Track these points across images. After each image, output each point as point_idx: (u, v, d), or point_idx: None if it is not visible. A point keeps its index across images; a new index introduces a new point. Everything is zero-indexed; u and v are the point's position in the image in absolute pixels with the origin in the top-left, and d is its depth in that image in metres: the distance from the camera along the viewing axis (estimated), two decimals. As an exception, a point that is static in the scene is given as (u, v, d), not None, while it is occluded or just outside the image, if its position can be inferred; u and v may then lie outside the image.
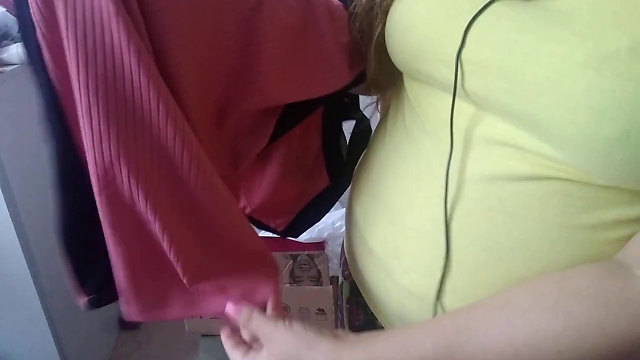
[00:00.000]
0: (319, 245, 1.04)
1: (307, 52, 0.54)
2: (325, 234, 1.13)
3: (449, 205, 0.43)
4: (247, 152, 0.57)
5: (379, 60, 0.54)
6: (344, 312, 0.67)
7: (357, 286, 0.60)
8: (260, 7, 0.49)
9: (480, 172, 0.41)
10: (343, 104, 0.66)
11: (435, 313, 0.46)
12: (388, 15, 0.49)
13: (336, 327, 0.73)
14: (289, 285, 1.09)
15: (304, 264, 1.06)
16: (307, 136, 0.65)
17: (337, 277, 0.73)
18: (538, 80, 0.35)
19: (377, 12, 0.51)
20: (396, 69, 0.51)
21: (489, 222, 0.41)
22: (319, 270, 1.05)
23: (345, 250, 0.65)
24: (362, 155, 0.61)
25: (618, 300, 0.34)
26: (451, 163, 0.42)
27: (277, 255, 1.04)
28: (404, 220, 0.48)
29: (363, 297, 0.59)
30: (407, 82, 0.50)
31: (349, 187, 0.62)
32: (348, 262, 0.63)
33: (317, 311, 1.11)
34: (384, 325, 0.56)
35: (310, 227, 0.74)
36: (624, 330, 0.33)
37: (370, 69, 0.56)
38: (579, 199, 0.38)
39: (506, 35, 0.37)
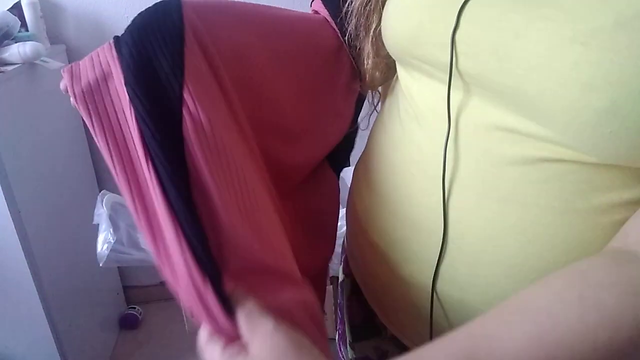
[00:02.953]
0: (319, 246, 1.03)
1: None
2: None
3: (445, 192, 0.43)
4: None
5: (376, 54, 0.55)
6: (344, 310, 0.67)
7: (357, 283, 0.61)
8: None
9: (475, 159, 0.42)
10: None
11: (432, 303, 0.46)
12: (385, 6, 0.50)
13: (336, 326, 0.73)
14: (289, 285, 1.08)
15: (304, 264, 1.06)
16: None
17: (337, 277, 0.73)
18: (528, 56, 0.36)
19: (374, 5, 0.52)
20: (391, 63, 0.52)
21: (484, 209, 0.42)
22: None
23: (347, 247, 0.66)
24: (361, 153, 0.62)
25: None
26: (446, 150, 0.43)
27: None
28: (403, 211, 0.48)
29: (363, 294, 0.60)
30: (401, 74, 0.51)
31: (349, 186, 0.63)
32: (349, 259, 0.63)
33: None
34: (383, 322, 0.57)
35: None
36: None
37: (367, 65, 0.57)
38: (572, 182, 0.38)
39: (497, 15, 0.38)
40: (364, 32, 0.55)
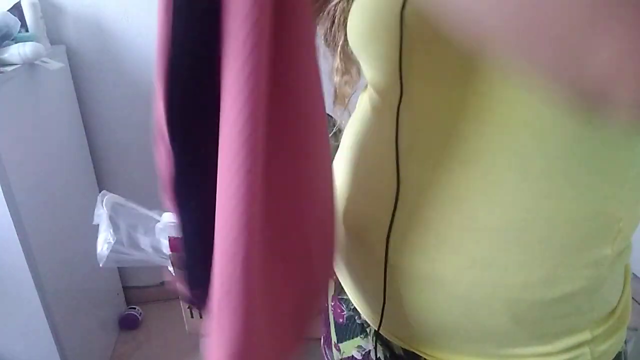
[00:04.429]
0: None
1: None
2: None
3: (399, 153, 0.45)
4: None
5: (345, 71, 0.60)
6: (329, 310, 0.68)
7: (339, 282, 0.62)
8: None
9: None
10: None
11: (385, 269, 0.47)
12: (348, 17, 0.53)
13: (323, 325, 0.74)
14: (288, 285, 1.09)
15: (304, 264, 1.06)
16: None
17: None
18: None
19: (337, 23, 0.56)
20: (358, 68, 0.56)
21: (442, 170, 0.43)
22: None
23: None
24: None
25: None
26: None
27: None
28: (366, 184, 0.50)
29: (345, 293, 0.61)
30: (365, 71, 0.54)
31: None
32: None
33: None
34: (365, 319, 0.58)
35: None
36: None
37: (337, 80, 0.61)
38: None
39: None
40: (332, 50, 0.59)
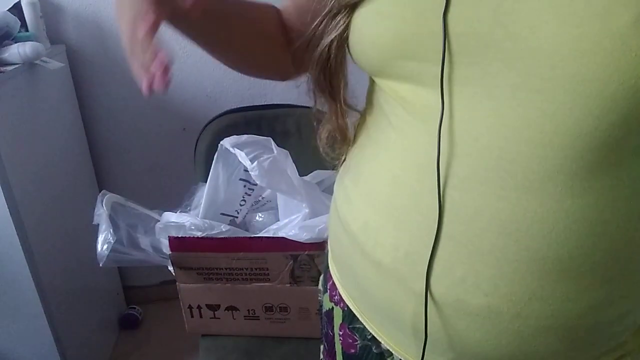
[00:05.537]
0: (319, 245, 1.03)
1: None
2: (325, 234, 1.13)
3: (440, 178, 0.41)
4: None
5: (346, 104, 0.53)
6: (336, 341, 0.63)
7: (350, 311, 0.57)
8: None
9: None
10: None
11: (426, 304, 0.44)
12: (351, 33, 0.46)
13: (324, 357, 0.70)
14: (289, 285, 1.08)
15: (304, 264, 1.06)
16: None
17: (321, 308, 0.69)
18: (533, 14, 0.35)
19: (336, 62, 0.48)
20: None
21: (490, 196, 0.40)
22: (319, 270, 1.04)
23: (332, 265, 0.62)
24: (342, 167, 0.59)
25: None
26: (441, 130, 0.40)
27: (278, 255, 1.04)
28: (398, 214, 0.46)
29: (359, 322, 0.57)
30: (385, 85, 0.47)
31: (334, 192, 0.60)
32: (340, 283, 0.59)
33: (317, 311, 1.11)
34: (384, 346, 0.54)
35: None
36: None
37: (340, 118, 0.53)
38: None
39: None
40: (328, 95, 0.52)
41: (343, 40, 0.47)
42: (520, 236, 0.39)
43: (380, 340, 0.54)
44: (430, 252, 0.42)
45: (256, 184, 1.14)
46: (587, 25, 0.33)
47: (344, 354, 0.62)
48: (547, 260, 0.39)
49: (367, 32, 0.44)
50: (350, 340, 0.60)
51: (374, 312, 0.53)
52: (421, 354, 0.47)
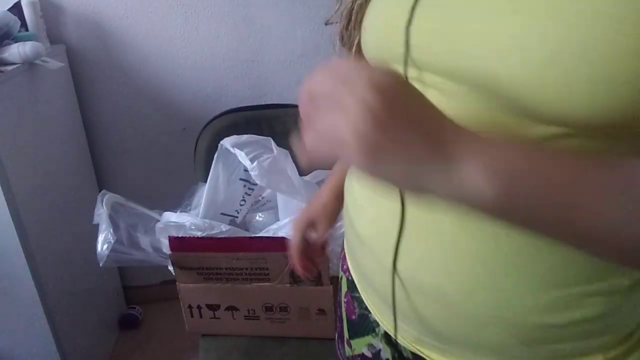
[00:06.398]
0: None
1: None
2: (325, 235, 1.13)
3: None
4: None
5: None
6: (342, 307, 0.68)
7: (352, 280, 0.62)
8: None
9: None
10: None
11: (393, 283, 0.48)
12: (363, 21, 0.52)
13: (335, 323, 0.74)
14: (289, 285, 1.09)
15: (304, 264, 1.06)
16: None
17: (337, 277, 0.74)
18: (472, 33, 0.36)
19: (355, 21, 0.54)
20: None
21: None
22: (319, 270, 1.05)
23: (344, 242, 0.67)
24: None
25: None
26: None
27: (277, 255, 1.04)
28: (374, 196, 0.50)
29: (358, 291, 0.61)
30: None
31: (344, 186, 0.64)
32: (347, 256, 0.64)
33: (317, 311, 1.11)
34: (376, 318, 0.58)
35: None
36: None
37: None
38: None
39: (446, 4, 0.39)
40: (348, 49, 0.57)
41: (362, 4, 0.52)
42: (472, 228, 0.41)
43: (370, 310, 0.59)
44: (398, 230, 0.46)
45: (256, 184, 1.14)
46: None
47: (347, 320, 0.66)
48: (496, 254, 0.41)
49: (365, 25, 0.49)
50: (352, 307, 0.64)
51: (364, 282, 0.58)
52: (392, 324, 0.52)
